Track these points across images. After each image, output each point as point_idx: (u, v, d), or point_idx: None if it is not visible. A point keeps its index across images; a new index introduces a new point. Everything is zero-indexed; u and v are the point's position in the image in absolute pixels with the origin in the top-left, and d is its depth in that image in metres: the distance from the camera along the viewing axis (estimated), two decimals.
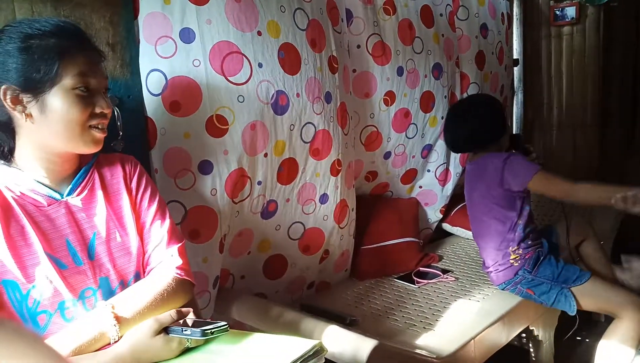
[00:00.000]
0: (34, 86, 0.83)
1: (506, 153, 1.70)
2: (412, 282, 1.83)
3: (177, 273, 0.96)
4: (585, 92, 2.83)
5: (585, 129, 2.89)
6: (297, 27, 1.54)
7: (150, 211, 1.01)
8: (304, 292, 1.80)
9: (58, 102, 0.85)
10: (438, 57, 2.17)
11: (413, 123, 2.12)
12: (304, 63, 1.55)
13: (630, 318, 1.52)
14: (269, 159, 1.51)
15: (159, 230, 1.00)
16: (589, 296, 1.61)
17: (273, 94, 1.47)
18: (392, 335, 1.45)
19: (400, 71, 2.02)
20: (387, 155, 2.10)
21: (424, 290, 1.79)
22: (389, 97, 2.01)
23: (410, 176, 2.24)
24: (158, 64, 1.29)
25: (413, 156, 2.19)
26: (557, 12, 2.76)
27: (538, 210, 2.45)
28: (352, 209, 1.87)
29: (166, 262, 0.98)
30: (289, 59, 1.51)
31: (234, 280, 1.60)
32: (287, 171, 1.58)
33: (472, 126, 1.75)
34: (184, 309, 0.89)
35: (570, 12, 2.74)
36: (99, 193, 0.96)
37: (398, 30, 2.01)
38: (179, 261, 0.98)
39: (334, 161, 1.70)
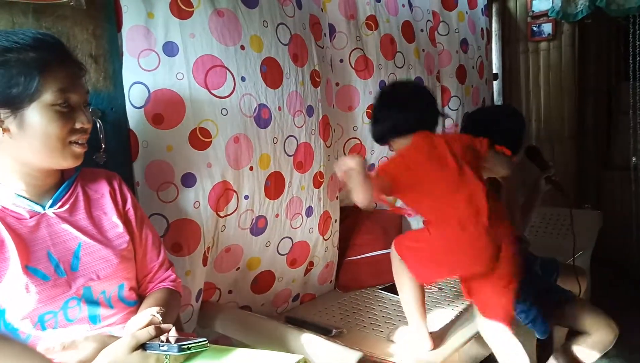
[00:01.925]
0: (11, 101, 0.81)
1: None
2: (396, 293, 1.83)
3: (173, 285, 1.04)
4: (562, 106, 2.91)
5: (563, 142, 2.96)
6: (280, 41, 1.56)
7: (144, 230, 1.06)
8: (289, 305, 1.79)
9: (37, 118, 0.83)
10: (419, 72, 2.22)
11: None
12: (285, 77, 1.57)
13: (601, 336, 1.55)
14: (255, 173, 1.51)
15: (154, 248, 1.07)
16: (565, 317, 1.62)
17: (255, 108, 1.48)
18: (377, 346, 1.45)
19: (382, 85, 2.05)
20: (370, 168, 2.12)
21: None
22: (372, 111, 2.03)
23: None
24: (141, 76, 1.29)
25: None
26: (534, 28, 2.84)
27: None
28: (336, 221, 1.88)
29: (167, 278, 1.07)
30: (271, 73, 1.53)
31: (220, 294, 1.59)
32: (274, 185, 1.58)
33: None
34: (163, 325, 0.88)
35: (547, 28, 2.82)
36: (82, 205, 0.95)
37: (380, 45, 2.04)
38: (173, 275, 1.08)
39: (316, 173, 1.72)
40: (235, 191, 1.47)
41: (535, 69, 2.96)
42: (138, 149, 1.30)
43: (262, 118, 1.51)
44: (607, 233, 2.44)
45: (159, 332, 0.85)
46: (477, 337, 1.50)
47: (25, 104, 0.82)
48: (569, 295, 1.65)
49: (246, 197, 1.51)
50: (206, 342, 0.84)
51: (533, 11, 2.82)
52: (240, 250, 1.56)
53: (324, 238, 1.80)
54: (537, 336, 1.66)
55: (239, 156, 1.46)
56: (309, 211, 1.73)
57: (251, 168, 1.50)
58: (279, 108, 1.56)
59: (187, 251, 1.37)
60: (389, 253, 2.00)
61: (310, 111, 1.68)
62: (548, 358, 1.89)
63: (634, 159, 2.99)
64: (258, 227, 1.58)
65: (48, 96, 0.83)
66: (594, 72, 3.06)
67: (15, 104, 0.82)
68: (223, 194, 1.44)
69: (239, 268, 1.59)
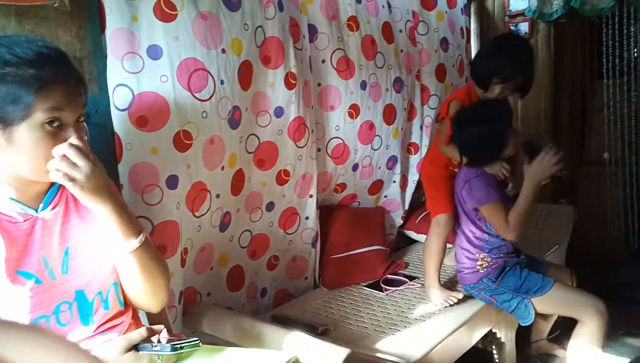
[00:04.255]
0: (2, 117, 0.80)
1: (478, 169, 1.71)
2: (381, 290, 1.87)
3: None
4: (538, 104, 2.97)
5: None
6: (255, 44, 1.59)
7: None
8: (259, 301, 1.82)
9: (25, 137, 0.81)
10: (399, 72, 2.25)
11: (377, 135, 2.18)
12: (254, 79, 1.61)
13: (592, 321, 1.60)
14: (225, 172, 1.55)
15: None
16: (550, 303, 1.67)
17: (230, 110, 1.51)
18: (362, 342, 1.48)
19: (363, 85, 2.08)
20: (355, 167, 2.15)
21: (392, 297, 1.83)
22: (354, 110, 2.07)
23: (377, 186, 2.30)
24: (125, 79, 1.29)
25: (379, 168, 2.25)
26: (512, 28, 2.90)
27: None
28: (307, 218, 1.92)
29: None
30: (246, 76, 1.56)
31: (201, 298, 1.60)
32: (237, 181, 1.63)
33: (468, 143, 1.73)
34: (155, 326, 0.90)
35: (524, 27, 2.88)
36: (72, 207, 0.95)
37: (361, 46, 2.07)
38: None
39: (280, 171, 1.77)
40: (208, 191, 1.50)
41: None
42: (122, 152, 1.31)
43: (234, 120, 1.54)
44: (582, 227, 2.52)
45: (151, 332, 0.86)
46: (458, 330, 1.55)
47: (16, 122, 0.80)
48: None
49: (217, 196, 1.54)
50: (198, 341, 0.86)
51: (510, 10, 2.88)
52: (211, 247, 1.60)
53: (286, 232, 1.86)
54: (521, 324, 1.71)
55: (213, 156, 1.49)
56: (270, 206, 1.79)
57: (222, 168, 1.53)
58: (247, 109, 1.60)
59: (170, 252, 1.39)
60: (373, 250, 2.06)
61: (278, 111, 1.71)
62: (528, 346, 1.96)
63: (606, 154, 3.09)
64: (224, 223, 1.62)
65: (39, 115, 0.81)
66: (569, 71, 3.14)
67: (6, 121, 0.80)
68: (198, 194, 1.46)
69: (212, 267, 1.63)
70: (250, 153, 1.67)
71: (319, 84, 1.97)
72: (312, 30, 1.92)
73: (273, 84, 1.68)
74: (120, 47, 1.28)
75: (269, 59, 1.65)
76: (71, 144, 0.83)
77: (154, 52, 1.32)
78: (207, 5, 1.42)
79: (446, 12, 2.57)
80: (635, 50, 3.06)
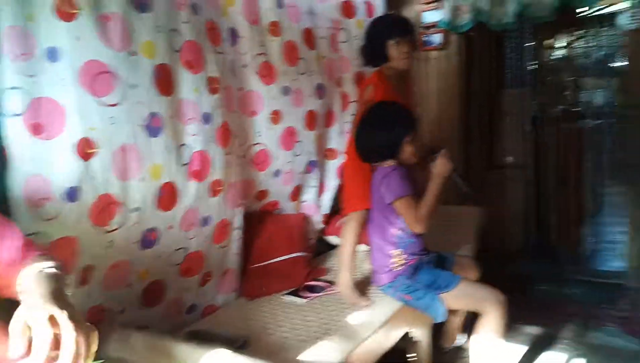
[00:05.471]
0: None
1: (393, 166, 1.78)
2: (301, 297, 1.87)
3: None
4: (451, 111, 3.15)
5: (452, 145, 3.21)
6: (173, 48, 1.52)
7: None
8: (184, 317, 1.74)
9: None
10: (320, 78, 2.27)
11: (299, 141, 2.18)
12: (176, 84, 1.54)
13: (493, 311, 1.70)
14: (146, 184, 1.45)
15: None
16: (458, 298, 1.77)
17: (147, 116, 1.43)
18: (282, 353, 1.47)
19: (285, 91, 2.07)
20: (276, 173, 2.13)
21: (313, 304, 1.84)
22: (276, 116, 2.05)
23: (297, 192, 2.30)
24: (19, 82, 1.17)
25: (300, 173, 2.26)
26: (426, 38, 3.04)
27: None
28: (237, 229, 1.87)
29: None
30: (164, 80, 1.49)
31: (111, 317, 1.50)
32: (167, 195, 1.54)
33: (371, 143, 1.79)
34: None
35: (437, 38, 3.04)
36: None
37: (283, 51, 2.06)
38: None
39: (213, 181, 1.70)
40: (121, 204, 1.40)
41: (427, 77, 3.17)
42: (14, 162, 1.18)
43: (153, 127, 1.46)
44: (489, 226, 2.70)
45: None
46: (377, 333, 1.59)
47: None
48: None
49: (136, 209, 1.45)
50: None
51: (424, 22, 3.01)
52: (127, 264, 1.48)
53: (220, 246, 1.79)
54: (435, 320, 1.79)
55: (127, 166, 1.40)
56: (206, 221, 1.71)
57: (142, 179, 1.44)
58: (172, 116, 1.52)
59: (70, 270, 1.28)
60: (294, 257, 2.05)
61: (206, 118, 1.65)
62: (441, 343, 2.06)
63: (509, 158, 3.36)
64: (150, 239, 1.52)
65: None
66: (478, 80, 3.36)
67: None
68: (106, 208, 1.36)
69: (130, 284, 1.52)
70: (184, 164, 1.58)
71: (241, 89, 1.93)
72: (233, 34, 1.88)
73: (198, 90, 1.62)
74: (14, 47, 1.16)
75: (191, 64, 1.59)
76: None
77: (53, 54, 1.21)
78: (113, 6, 1.33)
79: (365, 21, 2.63)
80: (534, 63, 3.36)
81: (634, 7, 2.36)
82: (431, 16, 2.98)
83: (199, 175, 1.64)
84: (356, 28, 2.56)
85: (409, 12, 3.05)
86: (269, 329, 1.64)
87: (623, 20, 2.45)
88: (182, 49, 1.56)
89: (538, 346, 2.18)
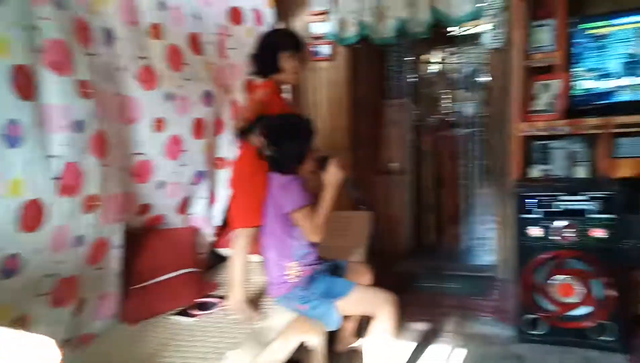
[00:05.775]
0: None
1: (291, 176, 1.76)
2: (190, 316, 1.77)
3: None
4: (341, 120, 3.25)
5: (342, 152, 3.31)
6: (33, 46, 1.35)
7: None
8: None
9: None
10: (208, 85, 2.19)
11: (185, 150, 2.07)
12: (40, 88, 1.38)
13: (385, 313, 1.76)
14: (4, 201, 1.27)
15: None
16: (352, 304, 1.80)
17: (4, 124, 1.26)
18: None
19: (169, 97, 1.96)
20: (161, 185, 2.00)
21: (203, 322, 1.75)
22: (159, 124, 1.93)
23: (185, 204, 2.19)
24: None
25: (187, 184, 2.14)
26: (315, 49, 3.10)
27: None
28: (116, 248, 1.72)
29: None
30: (25, 84, 1.32)
31: None
32: (32, 214, 1.35)
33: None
34: None
35: (326, 50, 3.11)
36: None
37: (166, 55, 1.95)
38: None
39: (88, 196, 1.54)
40: None
41: (318, 87, 3.24)
42: None
43: (11, 136, 1.28)
44: (379, 228, 2.83)
45: None
46: (272, 345, 1.56)
47: None
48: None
49: None
50: None
51: (312, 33, 3.07)
52: None
53: (96, 268, 1.63)
54: (330, 328, 1.81)
55: None
56: (79, 241, 1.54)
57: None
58: (36, 124, 1.35)
59: None
60: (182, 274, 1.93)
61: (79, 126, 1.49)
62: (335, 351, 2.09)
63: (393, 164, 3.57)
64: (9, 268, 1.32)
65: None
66: (365, 90, 3.51)
67: None
68: None
69: None
70: (52, 179, 1.41)
71: (118, 95, 1.78)
72: (108, 35, 1.72)
73: (68, 94, 1.45)
74: None
75: (57, 65, 1.42)
76: None
77: None
78: None
79: (255, 28, 2.60)
80: (414, 76, 3.62)
81: (496, 29, 2.63)
82: (319, 28, 3.05)
83: (70, 190, 1.47)
84: (245, 36, 2.52)
85: (297, 23, 3.09)
86: (152, 355, 1.52)
87: (486, 40, 2.71)
88: (45, 49, 1.39)
89: (424, 341, 2.31)
